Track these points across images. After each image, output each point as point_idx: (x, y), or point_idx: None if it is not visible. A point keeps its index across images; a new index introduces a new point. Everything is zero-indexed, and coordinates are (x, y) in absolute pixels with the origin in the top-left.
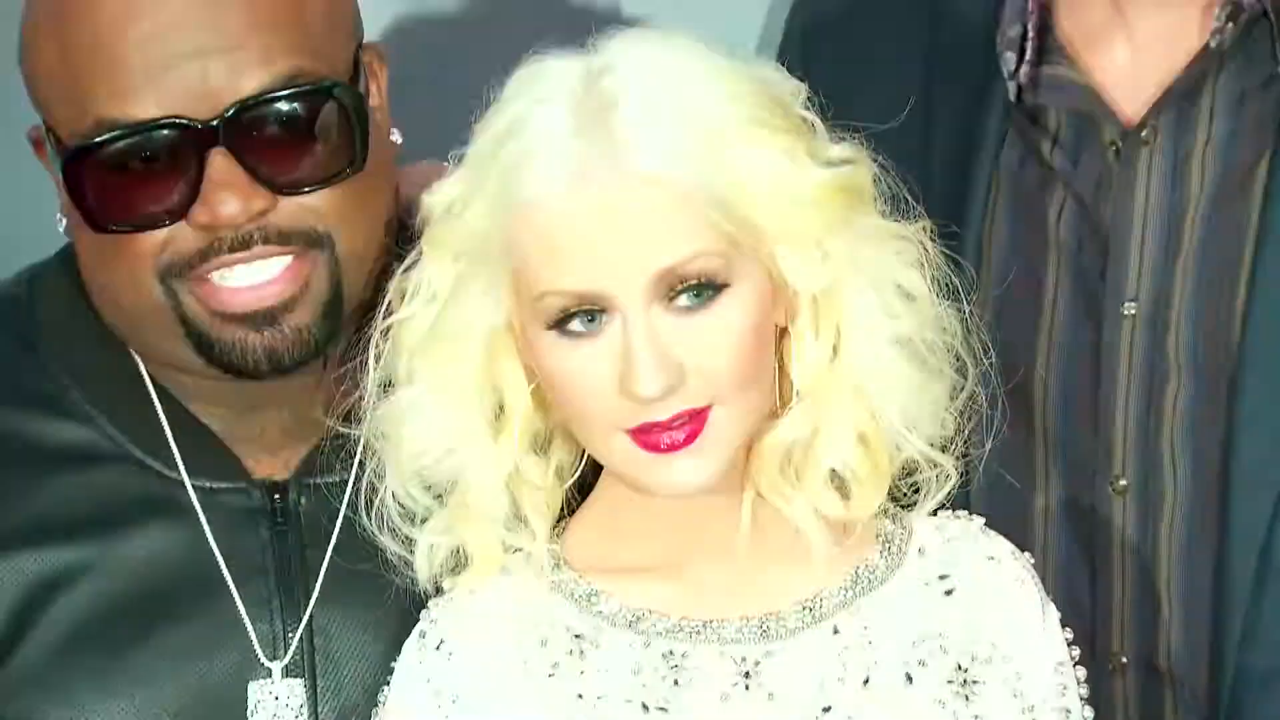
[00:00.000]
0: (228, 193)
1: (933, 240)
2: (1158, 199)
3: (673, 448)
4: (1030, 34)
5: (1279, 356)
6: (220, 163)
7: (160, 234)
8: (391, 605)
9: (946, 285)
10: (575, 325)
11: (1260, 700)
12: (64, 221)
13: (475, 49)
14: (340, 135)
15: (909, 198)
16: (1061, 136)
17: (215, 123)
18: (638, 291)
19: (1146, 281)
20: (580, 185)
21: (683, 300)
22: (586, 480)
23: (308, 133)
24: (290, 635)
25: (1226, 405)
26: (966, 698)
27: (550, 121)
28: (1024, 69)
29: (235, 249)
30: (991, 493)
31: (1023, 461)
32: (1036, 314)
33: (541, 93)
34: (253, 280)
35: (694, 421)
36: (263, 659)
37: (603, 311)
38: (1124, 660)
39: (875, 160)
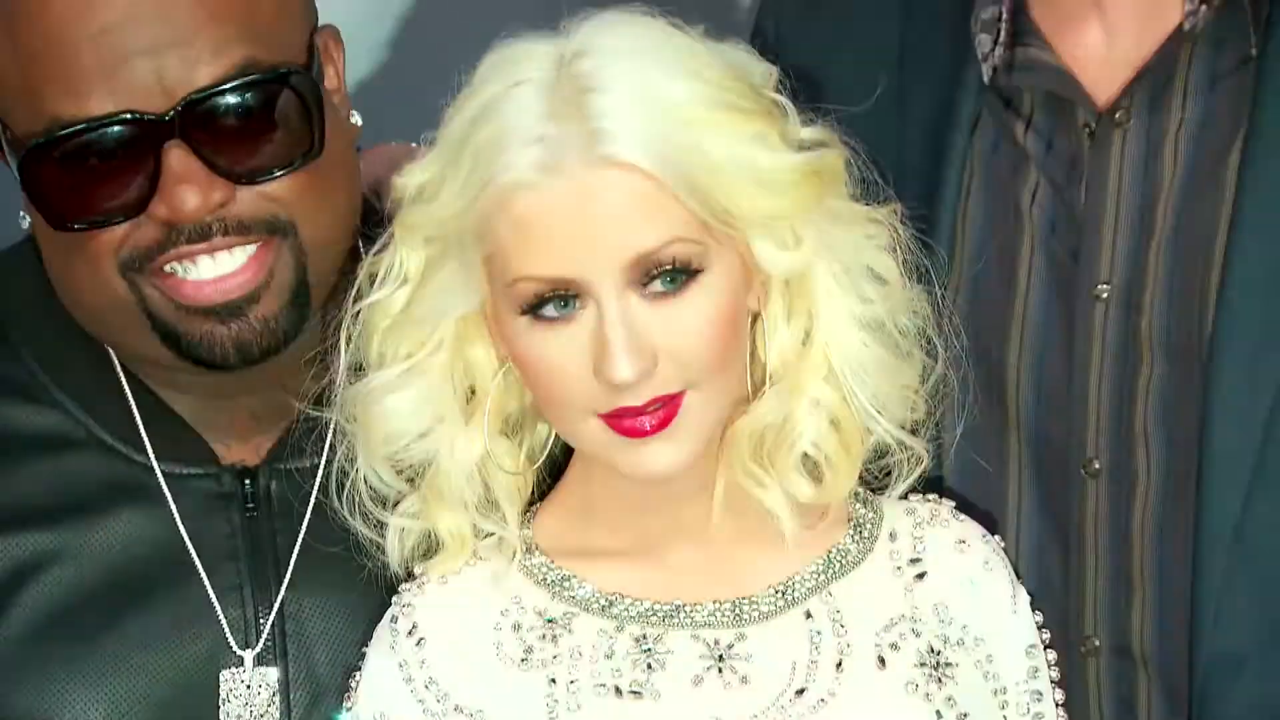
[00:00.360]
0: (186, 185)
1: (904, 224)
2: (1131, 182)
3: (647, 432)
4: (1005, 15)
5: (1252, 339)
6: (177, 155)
7: (120, 230)
8: (364, 589)
9: (918, 268)
10: (549, 311)
11: (1232, 683)
12: (27, 220)
13: (446, 31)
14: (297, 122)
15: (880, 180)
16: (1035, 119)
17: (170, 116)
18: (612, 278)
19: (1120, 264)
20: (554, 171)
21: (656, 286)
22: (558, 463)
23: (264, 121)
24: (262, 621)
25: (1199, 388)
26: (939, 680)
27: (524, 105)
28: (998, 51)
29: (194, 240)
30: (964, 476)
31: (996, 444)
32: (1010, 297)
33: (515, 75)
34: (216, 272)
35: (668, 406)
36: (234, 646)
37: (576, 297)
38: (1097, 643)
39: (846, 143)
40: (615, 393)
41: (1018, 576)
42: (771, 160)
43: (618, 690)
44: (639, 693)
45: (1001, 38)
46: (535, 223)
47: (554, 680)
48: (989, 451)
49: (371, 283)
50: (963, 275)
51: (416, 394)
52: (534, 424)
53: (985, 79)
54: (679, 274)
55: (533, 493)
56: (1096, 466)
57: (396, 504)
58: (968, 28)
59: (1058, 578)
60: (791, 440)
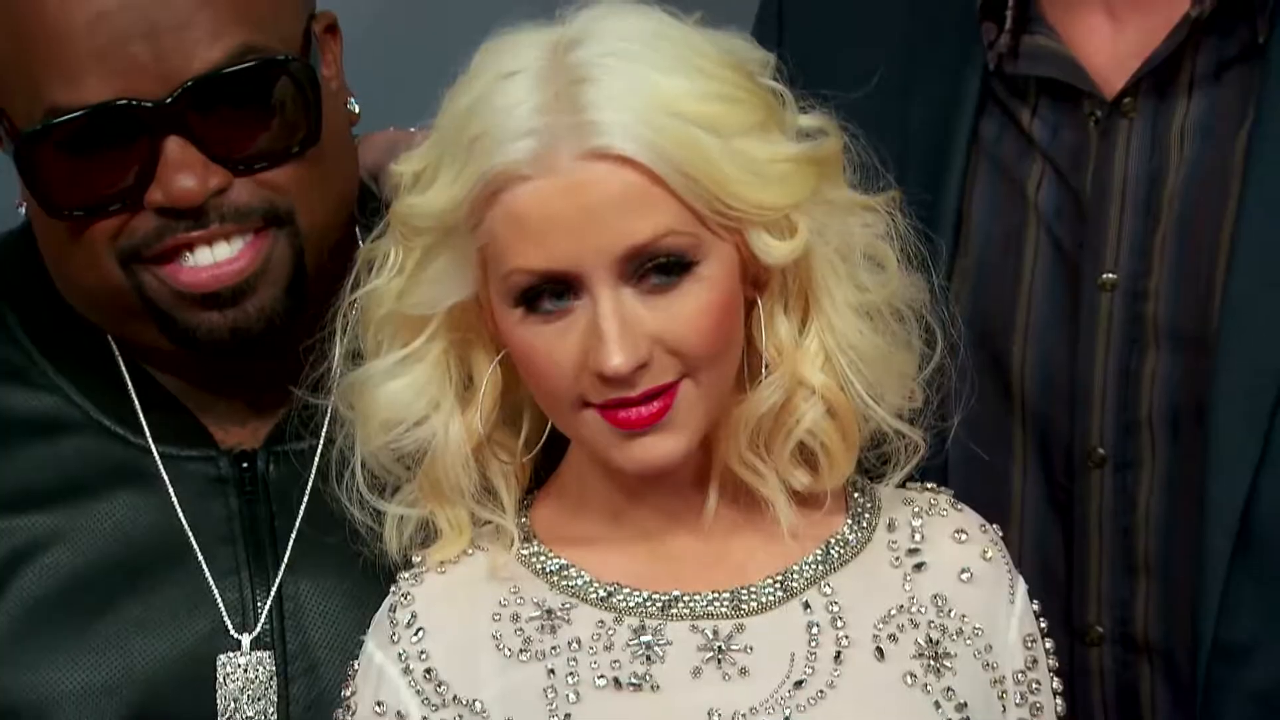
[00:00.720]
0: (183, 172)
1: (902, 211)
2: (1137, 170)
3: (642, 423)
4: (1011, 3)
5: (1258, 326)
6: (174, 142)
7: (117, 217)
8: (362, 574)
9: (916, 256)
10: (544, 304)
11: (1238, 672)
12: (24, 207)
13: (444, 17)
14: (294, 109)
15: (879, 166)
16: (1041, 107)
17: (168, 102)
18: (606, 270)
19: (1125, 252)
20: (548, 163)
21: (652, 278)
22: (555, 451)
23: (261, 108)
24: (260, 605)
25: (1205, 376)
26: (938, 671)
27: (517, 96)
28: (1004, 38)
29: (191, 228)
30: (968, 464)
31: (1000, 432)
32: (1015, 284)
33: (509, 65)
34: (214, 259)
35: (663, 397)
36: (231, 629)
37: (571, 290)
38: (1101, 632)
39: (845, 128)
40: (610, 384)
41: (1022, 565)
42: (767, 151)
43: (617, 682)
44: (638, 685)
45: (1008, 25)
46: (528, 216)
47: (553, 671)
48: (994, 440)
49: (369, 269)
50: (968, 262)
51: (413, 382)
52: (531, 412)
53: (991, 66)
54: (674, 266)
55: (530, 480)
56: (1101, 454)
57: (395, 491)
58: (973, 14)
59: (1062, 566)
60: (788, 429)
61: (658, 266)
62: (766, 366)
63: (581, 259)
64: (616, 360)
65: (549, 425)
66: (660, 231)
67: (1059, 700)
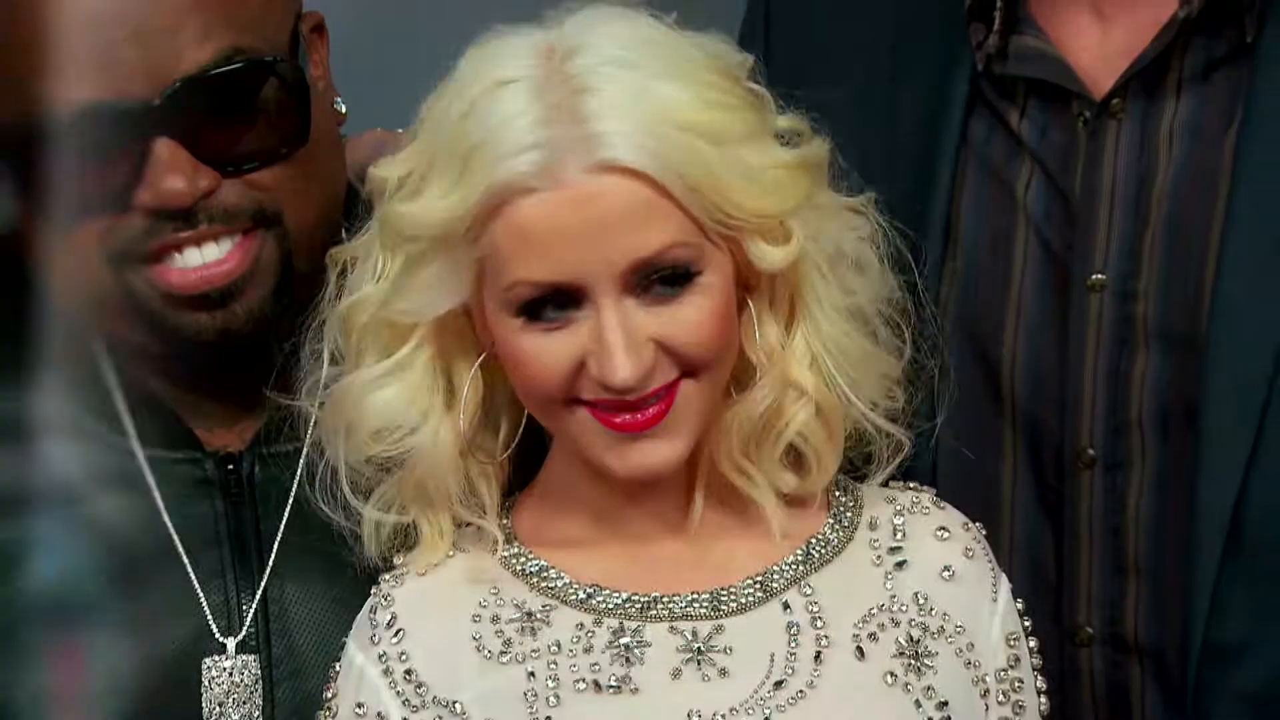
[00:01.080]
0: (171, 173)
1: (882, 213)
2: (1126, 171)
3: (639, 427)
4: (999, 4)
5: (1246, 327)
6: (163, 143)
7: (106, 219)
8: (348, 577)
9: (899, 257)
10: (547, 314)
11: (1228, 672)
12: None
13: (431, 17)
14: (282, 111)
15: (844, 166)
16: (1029, 108)
17: (156, 103)
18: (612, 282)
19: (1114, 253)
20: (555, 176)
21: (656, 289)
22: (534, 453)
23: (249, 110)
24: (245, 608)
25: (1194, 376)
26: (918, 670)
27: (516, 106)
28: (992, 39)
29: (181, 229)
30: (958, 465)
31: (990, 433)
32: (1005, 286)
33: (504, 72)
34: (202, 261)
35: (663, 400)
36: (217, 633)
37: (574, 300)
38: (1091, 633)
39: (817, 129)
40: (613, 393)
41: (1012, 565)
42: (762, 159)
43: (597, 685)
44: (618, 687)
45: (996, 25)
46: (534, 228)
47: (533, 674)
48: (984, 441)
49: (343, 269)
50: (957, 264)
51: (402, 390)
52: (509, 412)
53: (979, 67)
54: (679, 277)
55: (510, 482)
56: (1091, 455)
57: (372, 490)
58: (961, 15)
59: (1052, 567)
60: (778, 431)
61: (663, 278)
62: (758, 370)
63: (587, 271)
64: (624, 373)
65: (523, 423)
66: (667, 244)
67: (1043, 699)
